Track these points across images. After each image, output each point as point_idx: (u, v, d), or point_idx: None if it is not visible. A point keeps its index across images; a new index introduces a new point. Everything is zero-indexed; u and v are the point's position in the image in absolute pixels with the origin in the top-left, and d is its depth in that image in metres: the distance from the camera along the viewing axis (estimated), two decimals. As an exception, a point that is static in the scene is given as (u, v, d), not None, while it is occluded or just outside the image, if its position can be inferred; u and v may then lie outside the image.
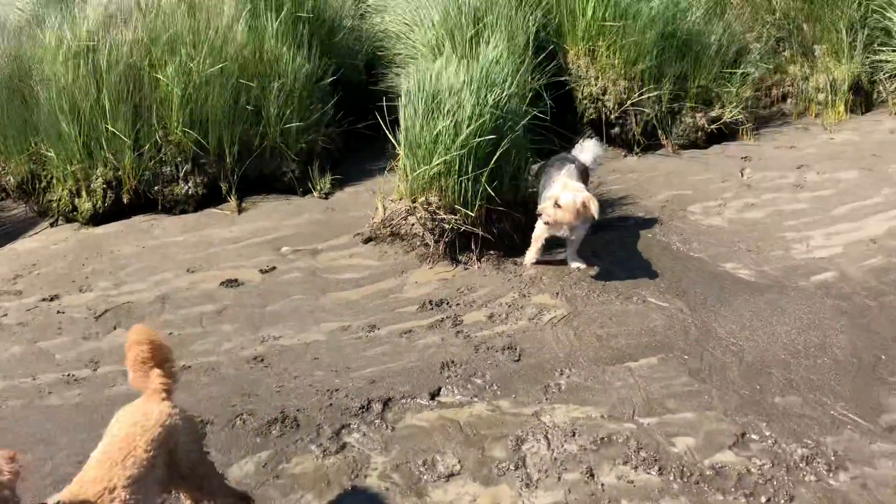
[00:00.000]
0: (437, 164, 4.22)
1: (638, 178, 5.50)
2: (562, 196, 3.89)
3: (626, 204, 5.10)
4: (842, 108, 6.40)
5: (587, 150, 4.42)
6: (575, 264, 4.27)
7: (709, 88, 5.98)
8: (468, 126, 4.16)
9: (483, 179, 4.24)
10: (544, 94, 5.69)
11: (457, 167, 4.23)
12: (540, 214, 3.99)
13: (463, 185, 4.27)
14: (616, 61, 5.79)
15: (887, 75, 6.53)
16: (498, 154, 4.23)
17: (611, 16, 5.78)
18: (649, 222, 4.81)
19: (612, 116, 5.81)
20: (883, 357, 3.49)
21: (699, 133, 5.93)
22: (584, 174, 4.30)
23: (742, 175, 5.42)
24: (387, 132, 4.63)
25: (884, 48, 6.54)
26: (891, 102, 6.47)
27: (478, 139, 4.19)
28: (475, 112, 4.19)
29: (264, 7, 5.56)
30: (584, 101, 5.88)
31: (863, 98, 6.59)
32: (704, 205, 5.04)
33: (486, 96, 4.26)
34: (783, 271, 4.20)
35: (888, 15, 6.50)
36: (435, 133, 4.23)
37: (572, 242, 4.25)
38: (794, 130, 6.18)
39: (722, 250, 4.46)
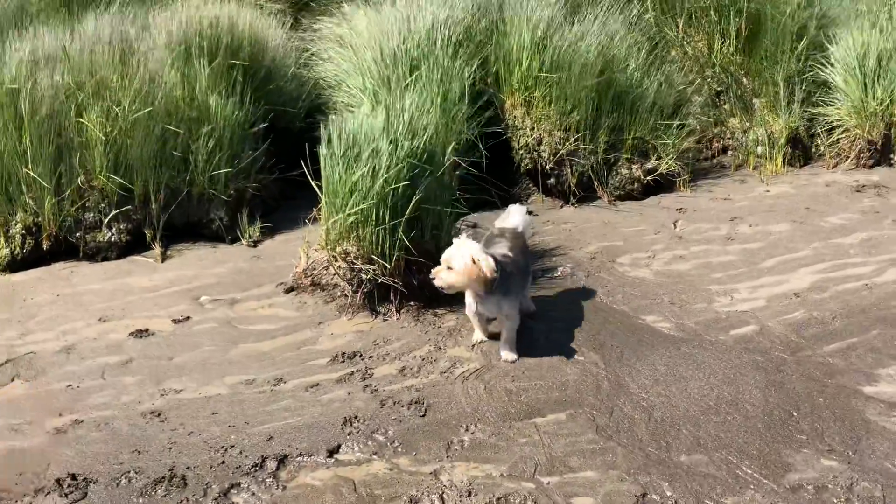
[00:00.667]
0: (353, 213, 4.14)
1: (572, 228, 5.46)
2: (454, 259, 3.61)
3: (557, 255, 5.04)
4: (780, 160, 6.44)
5: (513, 215, 4.21)
6: (504, 354, 3.82)
7: (645, 140, 6.00)
8: (384, 175, 4.10)
9: (400, 229, 4.17)
10: (479, 144, 5.69)
11: (374, 217, 4.16)
12: (433, 279, 3.69)
13: (380, 234, 4.19)
14: (551, 112, 5.80)
15: (826, 128, 6.60)
16: (414, 203, 4.16)
17: (546, 67, 5.81)
18: (576, 273, 4.75)
19: (548, 167, 5.80)
20: (794, 413, 3.42)
21: (635, 184, 5.92)
22: (520, 237, 4.07)
23: (674, 227, 5.40)
24: (310, 180, 4.56)
25: (822, 102, 6.62)
26: (828, 156, 6.53)
27: (393, 188, 4.13)
28: (391, 161, 4.13)
29: (197, 53, 5.54)
30: (521, 152, 5.87)
31: (801, 151, 6.65)
32: (634, 256, 5.00)
33: (404, 145, 4.21)
34: (704, 324, 4.15)
35: (825, 69, 6.61)
36: (352, 181, 4.16)
37: (505, 323, 3.82)
38: (732, 183, 6.20)
39: (645, 303, 4.40)
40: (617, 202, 5.88)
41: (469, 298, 3.83)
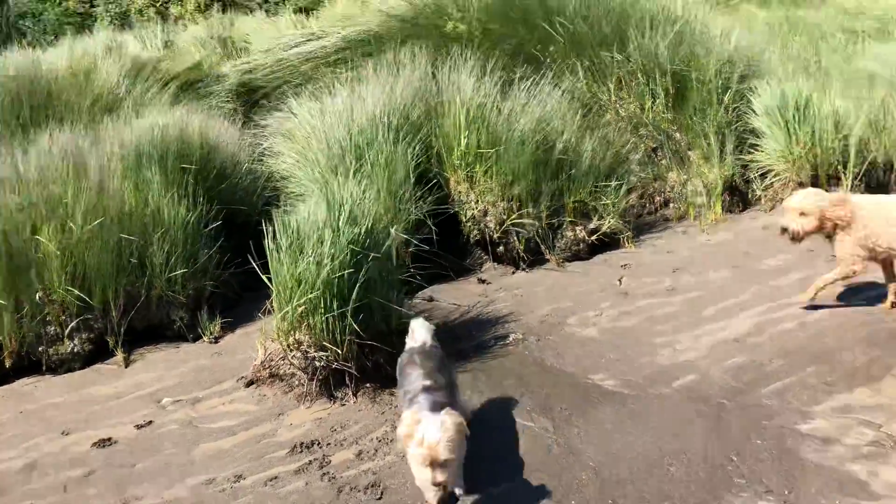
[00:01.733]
0: (302, 303, 4.30)
1: (523, 293, 5.64)
2: (411, 452, 3.25)
3: (509, 322, 5.21)
4: (719, 208, 6.72)
5: (418, 332, 4.00)
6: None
7: (586, 202, 6.25)
8: (328, 264, 4.28)
9: (349, 315, 4.32)
10: (428, 221, 5.91)
11: (322, 305, 4.32)
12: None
13: (330, 321, 4.34)
14: (494, 185, 6.06)
15: (759, 174, 6.91)
16: (358, 288, 4.33)
17: (485, 143, 6.09)
18: (527, 339, 4.91)
19: (496, 236, 6.03)
20: (734, 458, 3.55)
21: (581, 245, 6.15)
22: (431, 354, 3.82)
23: (620, 283, 5.60)
24: (260, 274, 4.72)
25: (752, 149, 6.95)
26: (764, 200, 6.82)
27: (338, 275, 4.30)
28: (334, 249, 4.31)
29: (147, 162, 5.76)
30: (468, 224, 6.10)
31: (739, 197, 6.94)
32: (582, 316, 5.17)
33: (345, 233, 4.40)
34: (648, 378, 4.30)
35: (752, 118, 6.95)
36: (298, 272, 4.33)
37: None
38: (674, 234, 6.45)
39: (593, 361, 4.56)
40: (565, 263, 6.09)
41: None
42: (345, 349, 4.37)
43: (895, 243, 4.41)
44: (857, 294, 4.96)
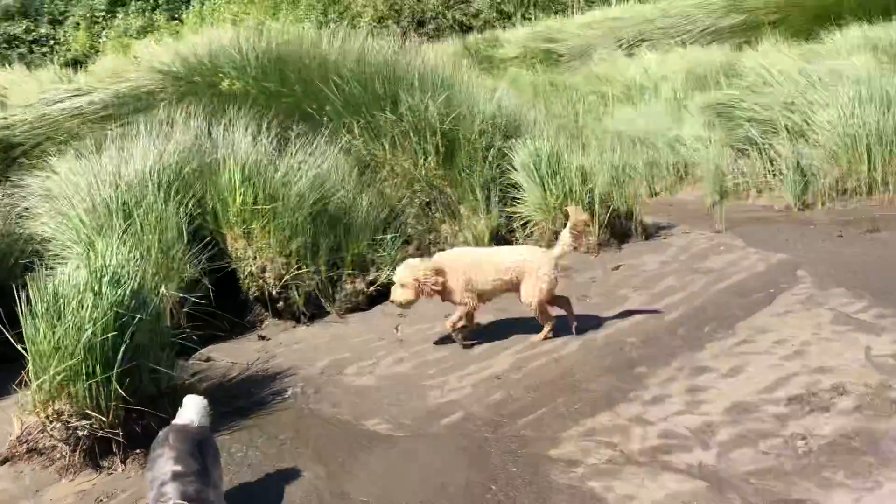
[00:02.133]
0: (61, 371, 4.11)
1: (304, 347, 5.74)
2: None
3: (288, 376, 5.27)
4: (487, 257, 7.24)
5: (186, 410, 3.78)
6: None
7: (364, 255, 6.50)
8: (90, 328, 4.13)
9: (114, 380, 4.19)
10: (203, 280, 5.86)
11: (84, 371, 4.14)
12: None
13: (93, 388, 4.17)
14: (272, 241, 6.14)
15: (521, 223, 7.57)
16: (123, 351, 4.21)
17: (262, 200, 6.17)
18: (305, 391, 5.00)
19: (275, 292, 6.09)
20: (493, 487, 3.86)
21: (360, 297, 6.37)
22: (188, 436, 3.50)
23: (396, 331, 5.87)
24: (13, 342, 4.44)
25: (515, 201, 7.60)
26: (526, 246, 7.47)
27: (101, 339, 4.16)
28: (97, 313, 4.18)
29: None
30: (247, 280, 6.12)
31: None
32: (360, 365, 5.36)
33: (108, 295, 4.28)
34: (418, 420, 4.55)
35: (513, 174, 7.62)
36: (56, 339, 4.14)
37: None
38: (448, 282, 6.86)
39: (368, 408, 4.74)
40: (346, 315, 6.28)
41: None
42: (111, 416, 4.22)
43: (487, 286, 5.35)
44: (601, 328, 5.58)
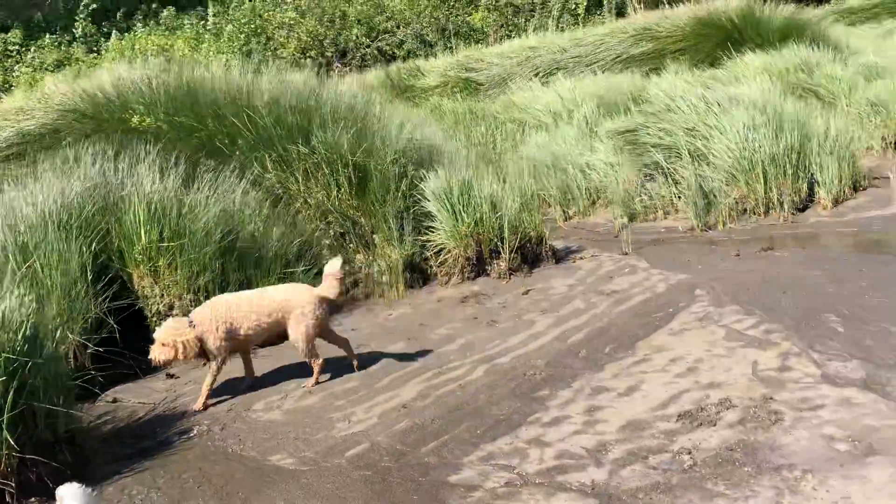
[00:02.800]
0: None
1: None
2: None
3: (196, 414, 5.23)
4: (402, 286, 7.35)
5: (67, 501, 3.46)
6: None
7: (274, 289, 6.50)
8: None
9: (3, 427, 4.09)
10: (108, 319, 5.78)
11: (-30, 421, 4.05)
12: None
13: (-19, 437, 4.08)
14: (179, 277, 6.10)
15: (435, 251, 7.69)
16: (12, 397, 4.13)
17: (168, 237, 6.14)
18: (211, 429, 4.98)
19: (183, 329, 6.02)
20: (393, 516, 3.92)
21: (272, 331, 6.36)
22: None
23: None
24: None
25: (428, 230, 7.72)
26: (440, 275, 7.59)
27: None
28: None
29: None
30: (154, 319, 6.04)
31: (420, 274, 7.64)
32: (268, 400, 5.36)
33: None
34: (323, 453, 4.57)
35: (425, 203, 7.74)
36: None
37: None
38: (362, 312, 6.93)
39: (274, 443, 4.74)
40: (256, 350, 6.25)
41: None
42: (2, 465, 4.12)
43: (251, 331, 5.33)
44: (508, 353, 5.71)
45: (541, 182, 10.58)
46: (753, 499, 3.68)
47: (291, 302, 5.37)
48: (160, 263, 6.09)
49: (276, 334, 5.64)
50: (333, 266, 5.50)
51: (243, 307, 5.31)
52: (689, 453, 4.12)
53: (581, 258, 8.07)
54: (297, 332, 5.35)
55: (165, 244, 6.10)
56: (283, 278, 6.61)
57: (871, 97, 11.83)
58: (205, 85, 8.78)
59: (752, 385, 4.79)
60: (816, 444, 4.05)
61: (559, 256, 8.09)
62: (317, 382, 5.47)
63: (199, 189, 6.69)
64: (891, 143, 11.51)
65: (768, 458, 3.98)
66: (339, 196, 7.74)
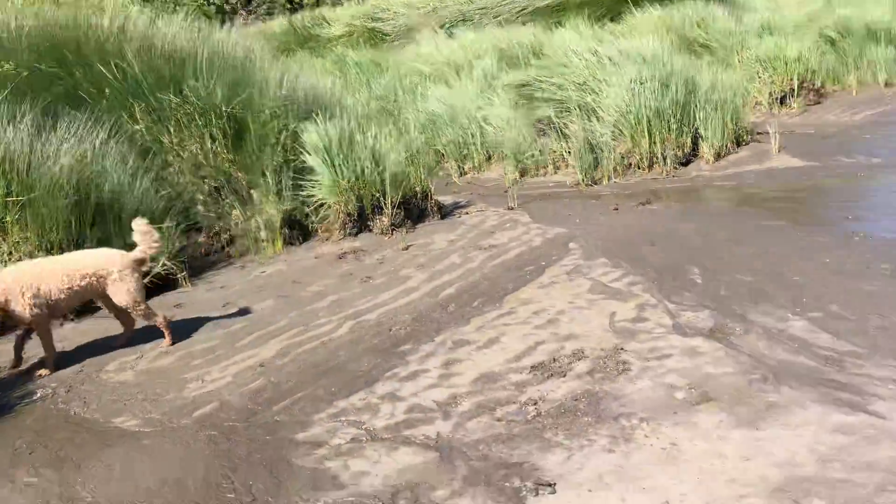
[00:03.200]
0: None
1: (66, 346, 5.44)
2: None
3: (43, 377, 4.98)
4: (280, 243, 7.17)
5: None
6: None
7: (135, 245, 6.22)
8: None
9: None
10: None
11: None
12: None
13: None
14: (30, 234, 5.76)
15: (316, 207, 7.51)
16: None
17: (15, 191, 5.77)
18: (56, 392, 4.76)
19: (36, 288, 5.71)
20: (231, 476, 3.80)
21: (135, 289, 6.11)
22: None
23: (168, 323, 5.69)
24: None
25: (308, 184, 7.53)
26: (321, 230, 7.43)
27: None
28: None
29: None
30: (2, 279, 5.70)
31: (300, 230, 7.47)
32: (121, 361, 5.16)
33: None
34: (169, 414, 4.42)
35: (306, 157, 7.54)
36: None
37: None
38: (234, 270, 6.74)
39: (120, 405, 4.56)
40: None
41: None
42: None
43: (61, 295, 4.98)
44: (376, 308, 5.64)
45: (439, 137, 10.48)
46: (589, 447, 3.73)
47: (104, 269, 5.07)
48: (7, 219, 5.74)
49: (83, 301, 5.39)
50: (138, 224, 5.25)
51: (52, 272, 4.95)
52: (535, 404, 4.15)
53: (467, 213, 8.04)
54: (124, 297, 5.13)
55: (14, 199, 5.73)
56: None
57: (761, 54, 12.14)
58: (71, 33, 8.24)
59: (605, 336, 4.86)
60: (657, 393, 4.14)
61: (445, 212, 8.04)
62: (172, 342, 5.28)
63: (58, 140, 6.29)
64: (776, 98, 11.88)
65: (609, 408, 4.04)
66: (214, 149, 7.45)
